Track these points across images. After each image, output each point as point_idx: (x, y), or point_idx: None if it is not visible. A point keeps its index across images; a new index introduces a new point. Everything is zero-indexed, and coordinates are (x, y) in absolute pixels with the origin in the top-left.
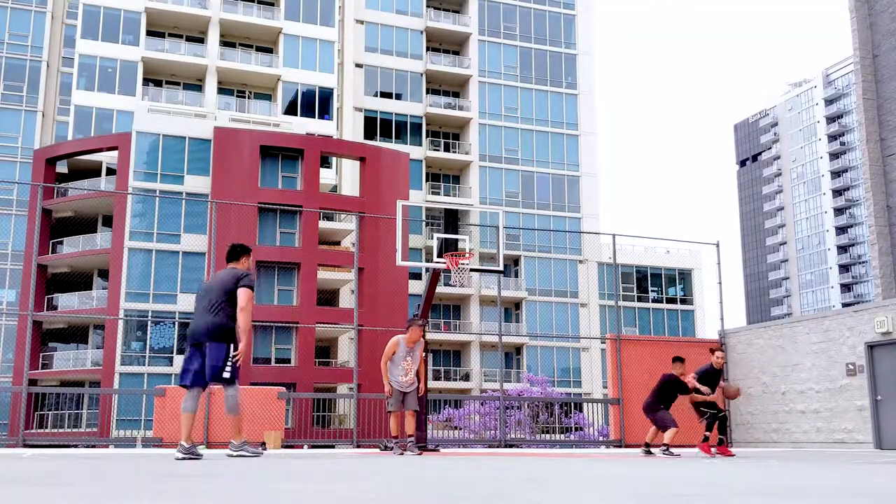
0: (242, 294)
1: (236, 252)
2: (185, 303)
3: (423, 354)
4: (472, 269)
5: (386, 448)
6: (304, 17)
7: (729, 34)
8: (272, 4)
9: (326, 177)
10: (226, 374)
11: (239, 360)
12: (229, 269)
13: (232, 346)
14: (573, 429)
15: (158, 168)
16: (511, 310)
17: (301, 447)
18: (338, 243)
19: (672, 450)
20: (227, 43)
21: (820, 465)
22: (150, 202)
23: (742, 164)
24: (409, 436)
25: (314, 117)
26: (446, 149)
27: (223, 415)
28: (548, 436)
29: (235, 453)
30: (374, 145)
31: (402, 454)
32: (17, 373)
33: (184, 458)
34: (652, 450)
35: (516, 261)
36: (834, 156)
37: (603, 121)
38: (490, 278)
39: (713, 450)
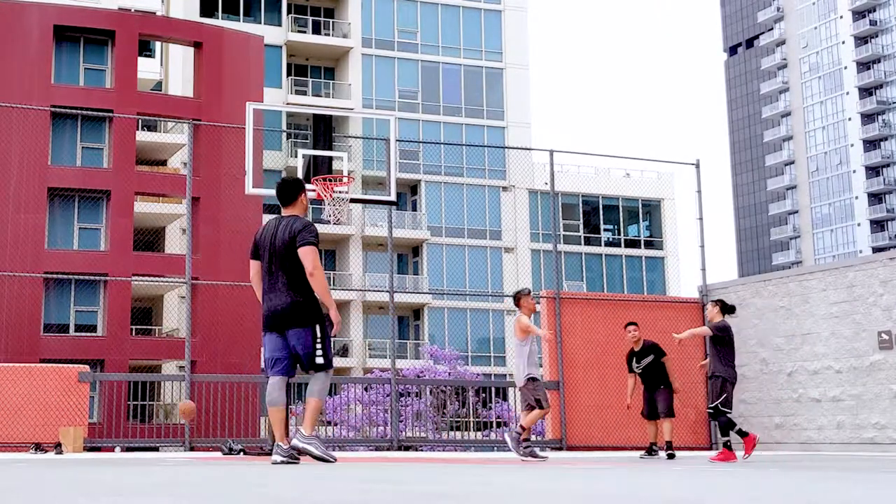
0: (306, 255)
1: (291, 190)
2: None
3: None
4: (351, 200)
5: (231, 451)
6: None
7: None
8: None
9: (147, 69)
10: (319, 360)
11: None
12: (286, 221)
13: (318, 325)
14: (494, 424)
15: None
16: (407, 257)
17: (112, 450)
18: (164, 163)
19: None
20: None
21: (842, 475)
22: None
23: (732, 51)
24: (527, 436)
25: None
26: (316, 30)
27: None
28: (459, 434)
29: (301, 444)
30: (214, 25)
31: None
32: None
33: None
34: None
35: (414, 188)
36: (861, 39)
37: None
38: (378, 212)
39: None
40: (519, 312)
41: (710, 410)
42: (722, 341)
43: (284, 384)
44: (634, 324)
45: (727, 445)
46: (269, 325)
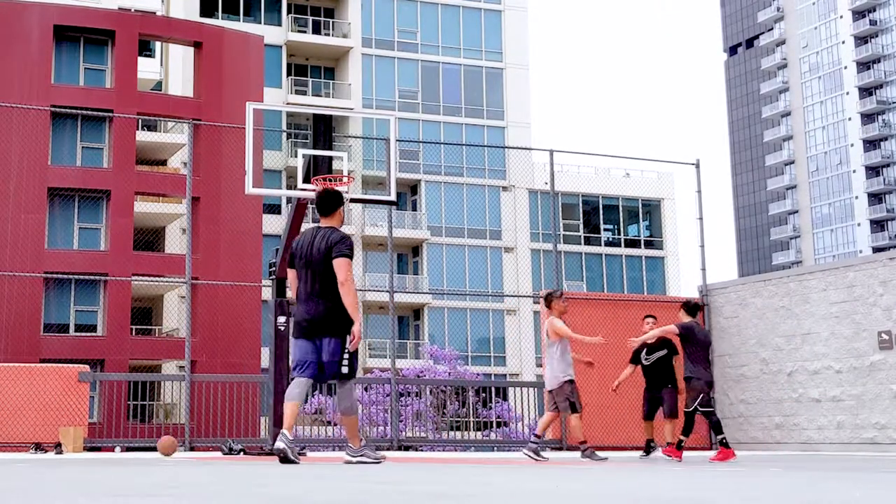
0: (339, 266)
1: (331, 202)
2: None
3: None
4: (352, 200)
5: (231, 451)
6: None
7: None
8: None
9: (147, 69)
10: (344, 369)
11: (356, 345)
12: (323, 232)
13: (348, 336)
14: (494, 424)
15: None
16: (407, 256)
17: (112, 450)
18: (164, 163)
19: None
20: None
21: (842, 475)
22: None
23: (732, 51)
24: (582, 442)
25: None
26: (316, 30)
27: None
28: (459, 434)
29: (355, 459)
30: (214, 25)
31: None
32: None
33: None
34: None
35: (414, 188)
36: (861, 39)
37: None
38: (378, 212)
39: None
40: (551, 315)
41: (687, 412)
42: (686, 340)
43: (307, 386)
44: (653, 317)
45: (724, 444)
46: (301, 332)
